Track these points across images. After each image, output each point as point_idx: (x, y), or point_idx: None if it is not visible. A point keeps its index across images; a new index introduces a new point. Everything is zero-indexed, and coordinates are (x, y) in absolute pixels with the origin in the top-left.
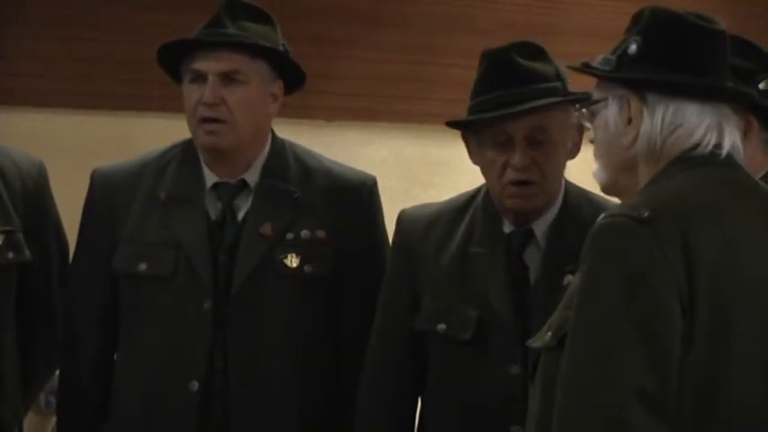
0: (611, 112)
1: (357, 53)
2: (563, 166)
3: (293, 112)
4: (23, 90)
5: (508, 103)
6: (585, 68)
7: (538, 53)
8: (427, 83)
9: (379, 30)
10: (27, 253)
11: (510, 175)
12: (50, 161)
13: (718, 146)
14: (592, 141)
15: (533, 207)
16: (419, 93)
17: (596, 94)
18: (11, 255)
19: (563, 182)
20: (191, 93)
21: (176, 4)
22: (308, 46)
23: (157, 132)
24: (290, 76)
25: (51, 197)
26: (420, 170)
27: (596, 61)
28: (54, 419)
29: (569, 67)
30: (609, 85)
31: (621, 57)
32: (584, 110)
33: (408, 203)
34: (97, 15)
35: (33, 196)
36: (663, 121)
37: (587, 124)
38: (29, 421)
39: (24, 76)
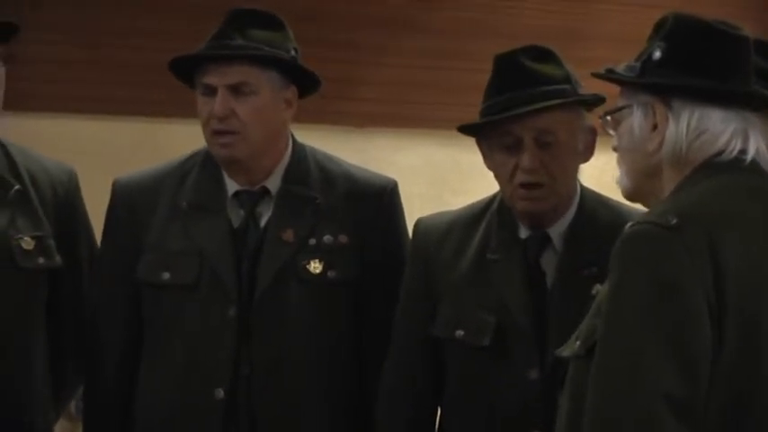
0: (635, 118)
1: (387, 59)
2: (574, 169)
3: (323, 119)
4: (49, 96)
5: (515, 105)
6: (610, 75)
7: (547, 56)
8: (456, 89)
9: (408, 36)
10: (57, 258)
11: (519, 177)
12: (76, 167)
13: (743, 151)
14: (615, 149)
15: (543, 209)
16: (449, 98)
17: (621, 102)
18: (41, 260)
19: (578, 186)
20: (203, 106)
21: (200, 10)
22: (338, 52)
23: (182, 138)
24: (305, 80)
25: (82, 204)
26: (451, 176)
27: (620, 68)
28: None
29: (594, 75)
30: (633, 92)
31: (646, 63)
32: (608, 117)
33: (439, 209)
34: (122, 21)
35: (64, 203)
36: (688, 126)
37: (611, 132)
38: (60, 427)
39: (50, 82)
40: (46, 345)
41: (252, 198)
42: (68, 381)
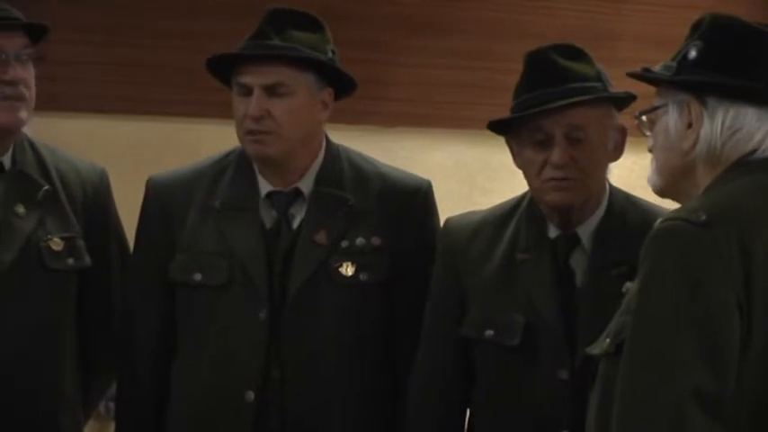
0: (671, 117)
1: (415, 59)
2: (604, 167)
3: (353, 119)
4: (80, 96)
5: (547, 101)
6: (646, 74)
7: (578, 54)
8: (485, 88)
9: (436, 36)
10: (87, 259)
11: (549, 172)
12: (107, 167)
13: None
14: (650, 150)
15: (572, 202)
16: (477, 98)
17: (656, 101)
18: (71, 261)
19: (607, 185)
20: (238, 105)
21: (232, 11)
22: (366, 53)
23: (215, 138)
24: (342, 81)
25: (113, 204)
26: (479, 175)
27: (657, 68)
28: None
29: (629, 74)
30: (669, 91)
31: (682, 62)
32: (643, 118)
33: (468, 209)
34: (153, 22)
35: (94, 203)
36: (723, 124)
37: (647, 132)
38: (89, 427)
39: (80, 83)
40: (75, 345)
41: (285, 199)
42: (97, 381)
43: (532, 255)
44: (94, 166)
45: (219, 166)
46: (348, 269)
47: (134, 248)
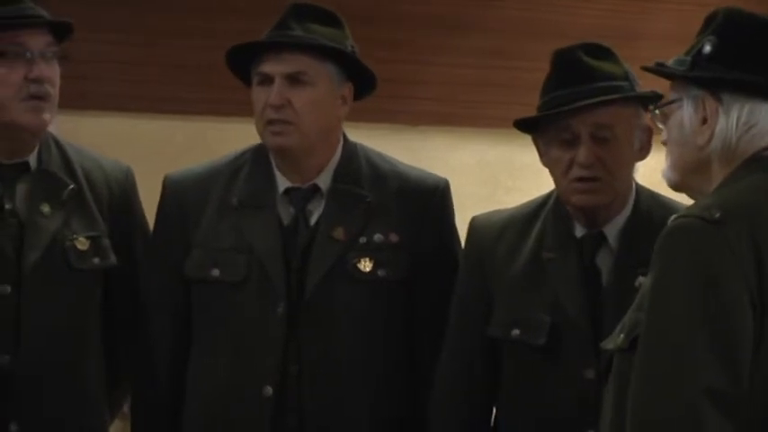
0: (685, 112)
1: (441, 58)
2: (631, 166)
3: (377, 117)
4: (104, 95)
5: (574, 99)
6: (660, 69)
7: (605, 53)
8: (510, 87)
9: (462, 35)
10: (112, 258)
11: (575, 172)
12: (132, 166)
13: None
14: (664, 144)
15: (598, 203)
16: (502, 97)
17: (671, 95)
18: (96, 260)
19: (633, 185)
20: (258, 95)
21: (256, 10)
22: (392, 52)
23: (238, 137)
24: (362, 79)
25: (139, 203)
26: (503, 175)
27: (670, 62)
28: None
29: (644, 68)
30: (683, 86)
31: (696, 57)
32: (657, 111)
33: (492, 208)
34: (177, 21)
35: (120, 201)
36: (738, 120)
37: (660, 125)
38: (113, 427)
39: (105, 81)
40: (101, 345)
41: (302, 195)
42: (123, 380)
43: (559, 254)
44: (120, 165)
45: (236, 164)
46: (366, 265)
47: (150, 247)
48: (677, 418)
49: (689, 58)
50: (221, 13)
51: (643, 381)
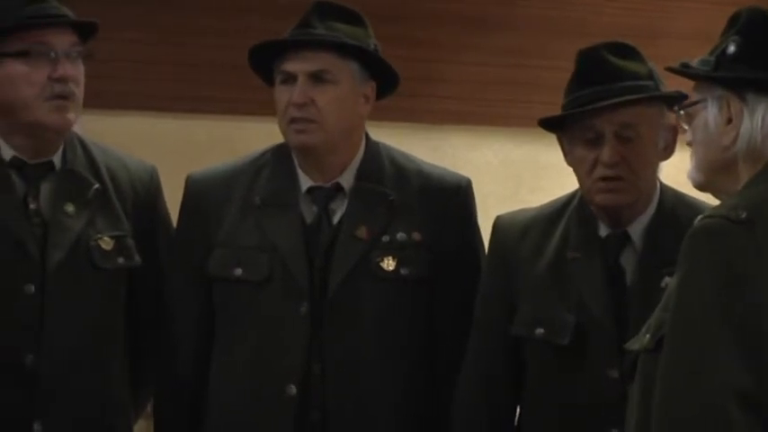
0: (710, 112)
1: (464, 57)
2: (655, 166)
3: (401, 116)
4: (128, 94)
5: (598, 99)
6: (684, 69)
7: (630, 52)
8: (534, 86)
9: (485, 34)
10: (137, 258)
11: (599, 171)
12: (156, 165)
13: None
14: (689, 144)
15: (622, 203)
16: (525, 96)
17: (695, 96)
18: (121, 260)
19: (658, 184)
20: (281, 94)
21: (280, 9)
22: (415, 50)
23: (260, 136)
24: (384, 78)
25: (163, 202)
26: (527, 173)
27: (694, 62)
28: None
29: (668, 69)
30: (708, 86)
31: (720, 57)
32: (682, 112)
33: (516, 207)
34: (199, 20)
35: (144, 201)
36: (763, 120)
37: (685, 126)
38: (137, 427)
39: (129, 81)
40: (125, 344)
41: (325, 194)
42: (147, 380)
43: (583, 253)
44: (144, 164)
45: (258, 163)
46: (389, 264)
47: (173, 246)
48: (702, 417)
49: (713, 59)
50: (245, 11)
51: (668, 381)
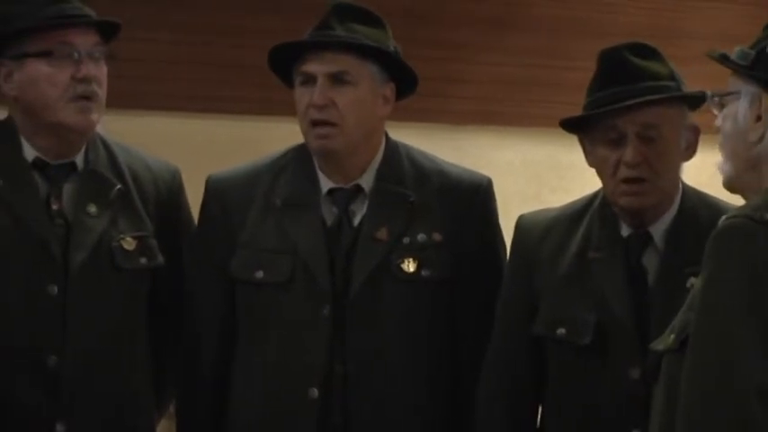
0: (741, 106)
1: (487, 57)
2: (677, 166)
3: (421, 116)
4: (151, 94)
5: (620, 99)
6: (723, 60)
7: (651, 53)
8: (555, 86)
9: (508, 34)
10: (160, 258)
11: (622, 172)
12: (179, 165)
13: None
14: (718, 129)
15: (645, 205)
16: (548, 96)
17: (730, 86)
18: (143, 260)
19: (680, 184)
20: (301, 96)
21: (305, 8)
22: (438, 51)
23: (286, 136)
24: (403, 79)
25: (186, 202)
26: (548, 174)
27: (735, 53)
28: None
29: (708, 55)
30: (743, 80)
31: (760, 54)
32: (715, 98)
33: (537, 207)
34: (223, 20)
35: (167, 202)
36: None
37: (715, 111)
38: (159, 427)
39: (152, 81)
40: (148, 345)
41: (345, 196)
42: (170, 380)
43: (605, 253)
44: (167, 165)
45: (279, 164)
46: (410, 265)
47: (195, 247)
48: (727, 417)
49: (753, 53)
50: (268, 11)
51: (693, 380)
